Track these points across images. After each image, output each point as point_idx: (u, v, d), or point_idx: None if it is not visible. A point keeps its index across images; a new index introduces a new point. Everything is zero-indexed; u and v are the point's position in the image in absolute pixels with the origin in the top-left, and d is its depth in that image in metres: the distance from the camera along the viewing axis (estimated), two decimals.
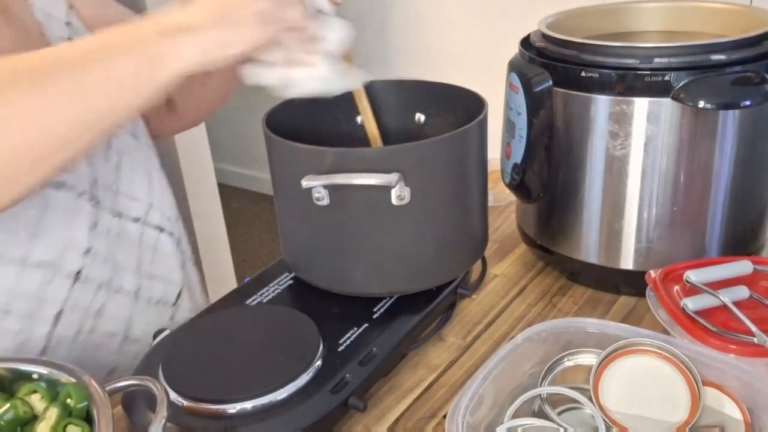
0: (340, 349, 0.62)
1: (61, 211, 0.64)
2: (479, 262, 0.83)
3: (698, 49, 0.66)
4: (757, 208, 0.75)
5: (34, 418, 0.47)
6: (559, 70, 0.70)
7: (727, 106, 0.66)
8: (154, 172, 0.77)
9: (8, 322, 0.62)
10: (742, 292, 0.65)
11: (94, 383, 0.47)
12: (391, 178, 0.60)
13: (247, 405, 0.55)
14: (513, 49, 0.79)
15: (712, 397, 0.54)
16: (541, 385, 0.58)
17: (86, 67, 0.48)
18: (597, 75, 0.67)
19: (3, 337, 0.62)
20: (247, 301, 0.70)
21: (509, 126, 0.77)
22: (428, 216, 0.66)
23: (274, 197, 0.71)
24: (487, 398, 0.54)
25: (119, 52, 0.49)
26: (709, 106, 0.64)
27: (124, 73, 0.49)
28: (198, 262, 1.12)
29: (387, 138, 0.78)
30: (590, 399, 0.55)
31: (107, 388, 0.48)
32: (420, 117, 0.80)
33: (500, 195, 0.97)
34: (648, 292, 0.68)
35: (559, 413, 0.57)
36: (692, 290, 0.66)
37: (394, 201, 0.62)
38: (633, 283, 0.73)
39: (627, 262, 0.74)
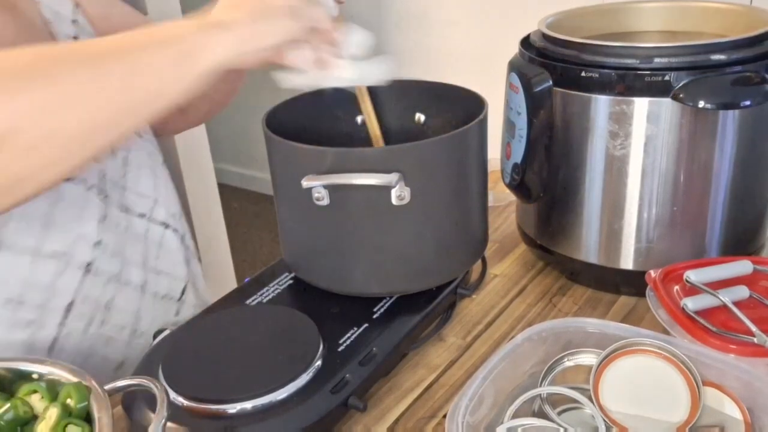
0: (340, 349, 0.62)
1: (72, 204, 0.65)
2: (479, 262, 0.83)
3: (698, 49, 0.66)
4: (757, 208, 0.75)
5: (34, 418, 0.47)
6: (559, 70, 0.70)
7: (727, 106, 0.66)
8: (158, 168, 0.78)
9: (21, 313, 0.63)
10: (742, 292, 0.65)
11: (94, 383, 0.47)
12: (391, 178, 0.60)
13: (247, 405, 0.55)
14: (513, 49, 0.79)
15: (712, 397, 0.54)
16: (541, 385, 0.58)
17: (128, 55, 0.50)
18: (597, 75, 0.67)
19: (15, 327, 0.63)
20: (247, 301, 0.70)
21: (509, 126, 0.77)
22: (428, 216, 0.66)
23: (274, 197, 0.71)
24: (487, 398, 0.54)
25: (159, 44, 0.51)
26: (709, 106, 0.64)
27: (163, 64, 0.50)
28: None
29: (387, 138, 0.78)
30: (590, 399, 0.55)
31: (107, 388, 0.48)
32: (420, 117, 0.80)
33: (500, 195, 0.97)
34: (648, 292, 0.68)
35: (559, 413, 0.57)
36: (692, 290, 0.66)
37: (394, 201, 0.62)
38: (633, 283, 0.73)
39: (627, 262, 0.74)
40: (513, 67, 0.75)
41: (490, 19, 2.09)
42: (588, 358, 0.58)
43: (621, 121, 0.68)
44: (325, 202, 0.62)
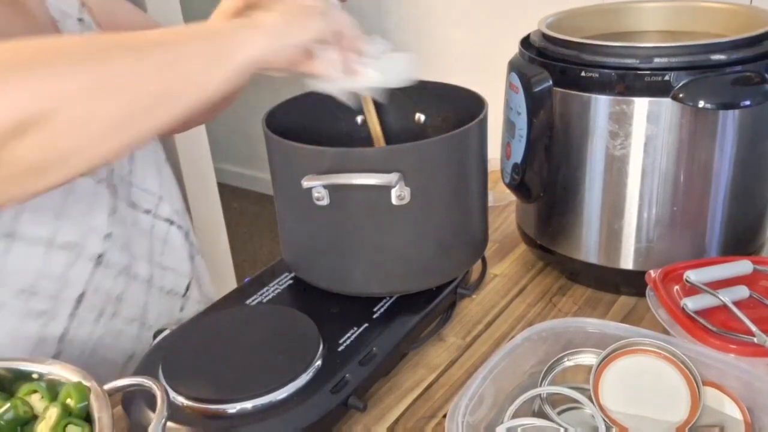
0: (340, 349, 0.62)
1: (84, 196, 0.66)
2: (479, 262, 0.83)
3: (698, 49, 0.66)
4: (757, 208, 0.75)
5: (34, 418, 0.47)
6: (559, 70, 0.70)
7: (727, 106, 0.66)
8: (162, 166, 0.79)
9: (34, 303, 0.64)
10: (742, 291, 0.65)
11: (94, 383, 0.47)
12: (391, 178, 0.60)
13: (247, 405, 0.55)
14: (513, 49, 0.79)
15: (712, 396, 0.54)
16: (541, 385, 0.58)
17: (168, 46, 0.51)
18: (597, 75, 0.68)
19: (28, 317, 0.64)
20: (247, 301, 0.70)
21: (509, 126, 0.77)
22: (428, 216, 0.66)
23: (274, 197, 0.71)
24: (487, 398, 0.54)
25: (198, 38, 0.52)
26: (709, 106, 0.64)
27: (202, 57, 0.51)
28: None
29: (387, 138, 0.78)
30: (590, 399, 0.55)
31: (107, 388, 0.48)
32: (420, 117, 0.80)
33: (500, 195, 0.97)
34: (648, 291, 0.68)
35: (559, 413, 0.57)
36: (692, 290, 0.66)
37: (394, 201, 0.62)
38: (633, 282, 0.73)
39: (627, 261, 0.74)
40: (513, 67, 0.75)
41: (490, 19, 2.09)
42: (588, 358, 0.58)
43: (621, 121, 0.68)
44: (325, 202, 0.62)
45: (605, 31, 0.84)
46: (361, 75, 0.60)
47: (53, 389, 0.48)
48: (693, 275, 0.67)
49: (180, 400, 0.56)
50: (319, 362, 0.60)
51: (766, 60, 0.66)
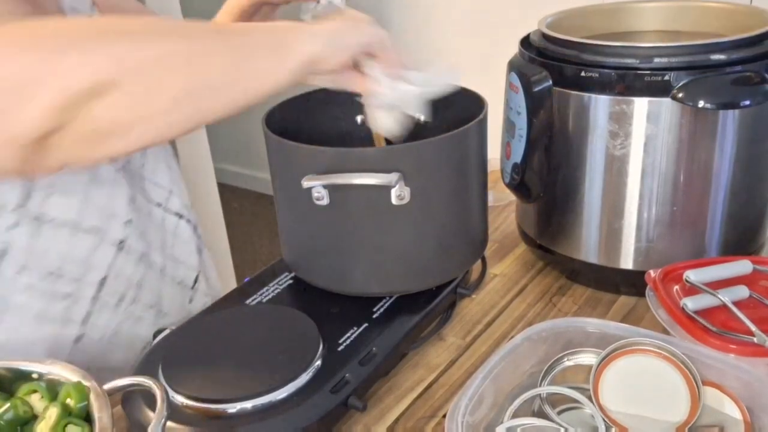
0: (340, 349, 0.62)
1: (106, 182, 0.67)
2: (479, 261, 0.83)
3: (698, 48, 0.66)
4: (757, 208, 0.75)
5: (34, 418, 0.47)
6: (559, 70, 0.70)
7: (726, 106, 0.66)
8: (171, 161, 0.80)
9: (59, 285, 0.65)
10: (742, 291, 0.65)
11: (93, 383, 0.47)
12: (391, 177, 0.60)
13: (247, 405, 0.55)
14: (513, 49, 0.79)
15: (711, 396, 0.54)
16: (540, 385, 0.58)
17: (230, 35, 0.53)
18: (597, 75, 0.68)
19: (54, 299, 0.65)
20: (247, 301, 0.70)
21: (509, 126, 0.77)
22: (428, 216, 0.66)
23: (274, 197, 0.71)
24: (486, 398, 0.54)
25: (259, 32, 0.54)
26: (708, 105, 0.64)
27: (262, 49, 0.53)
28: None
29: (387, 138, 0.78)
30: (590, 399, 0.55)
31: (107, 388, 0.48)
32: (420, 117, 0.80)
33: (500, 195, 0.97)
34: (648, 291, 0.68)
35: (559, 413, 0.57)
36: (692, 290, 0.66)
37: (394, 201, 0.62)
38: (633, 282, 0.73)
39: (627, 261, 0.74)
40: (513, 67, 0.75)
41: (490, 19, 2.09)
42: (588, 358, 0.58)
43: (621, 120, 0.68)
44: (325, 201, 0.62)
45: (605, 31, 0.84)
46: (407, 86, 0.61)
47: (53, 389, 0.48)
48: (693, 275, 0.67)
49: (180, 399, 0.56)
50: (319, 362, 0.60)
51: (766, 60, 0.66)
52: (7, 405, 0.46)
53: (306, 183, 0.61)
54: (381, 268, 0.67)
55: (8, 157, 0.47)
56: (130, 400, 0.57)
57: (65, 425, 0.45)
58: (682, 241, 0.72)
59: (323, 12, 0.71)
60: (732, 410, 0.53)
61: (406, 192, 0.62)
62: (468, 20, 2.15)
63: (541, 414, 0.57)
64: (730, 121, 0.67)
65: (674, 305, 0.64)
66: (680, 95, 0.64)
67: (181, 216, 0.79)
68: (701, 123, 0.67)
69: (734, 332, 0.60)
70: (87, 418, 0.46)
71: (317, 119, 0.77)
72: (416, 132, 0.70)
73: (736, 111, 0.66)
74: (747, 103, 0.64)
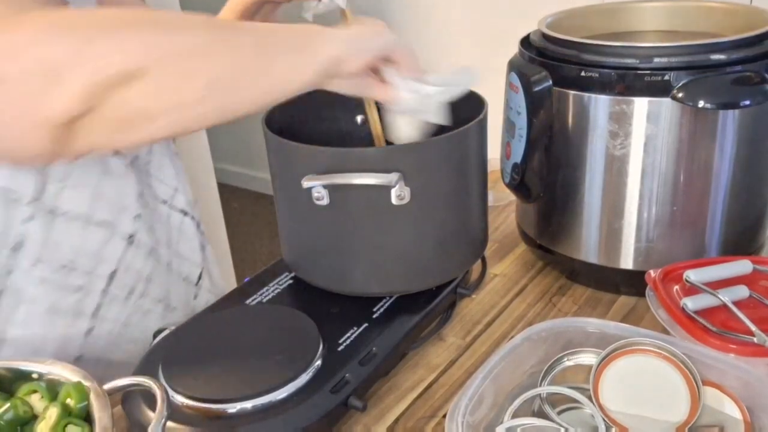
0: (340, 349, 0.62)
1: (116, 177, 0.68)
2: (479, 261, 0.83)
3: (698, 48, 0.66)
4: (757, 208, 0.75)
5: (34, 418, 0.47)
6: (559, 70, 0.70)
7: (726, 106, 0.66)
8: (175, 159, 0.80)
9: (71, 278, 0.66)
10: (742, 291, 0.65)
11: (93, 383, 0.47)
12: (391, 177, 0.60)
13: (247, 405, 0.55)
14: (513, 49, 0.79)
15: (711, 396, 0.54)
16: (540, 385, 0.58)
17: (257, 32, 0.55)
18: (597, 75, 0.68)
19: (66, 291, 0.66)
20: (247, 301, 0.70)
21: (509, 126, 0.77)
22: (428, 216, 0.66)
23: (274, 197, 0.71)
24: (486, 398, 0.54)
25: (285, 30, 0.55)
26: (708, 105, 0.64)
27: (287, 47, 0.54)
28: None
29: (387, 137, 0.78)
30: (590, 399, 0.55)
31: (107, 388, 0.48)
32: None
33: (500, 195, 0.97)
34: (648, 291, 0.68)
35: (559, 413, 0.57)
36: (692, 290, 0.66)
37: (394, 201, 0.62)
38: (633, 282, 0.73)
39: (627, 261, 0.74)
40: (513, 66, 0.75)
41: (490, 19, 2.09)
42: (588, 358, 0.58)
43: (621, 120, 0.68)
44: (325, 201, 0.62)
45: (605, 31, 0.84)
46: (427, 90, 0.62)
47: (53, 389, 0.48)
48: (693, 275, 0.67)
49: (180, 399, 0.56)
50: (319, 362, 0.60)
51: (766, 60, 0.66)
52: (7, 405, 0.46)
53: (306, 183, 0.61)
54: (381, 268, 0.67)
55: (40, 139, 0.48)
56: (130, 400, 0.57)
57: (65, 425, 0.45)
58: (682, 241, 0.72)
59: (324, 10, 0.71)
60: (732, 410, 0.53)
61: (406, 192, 0.62)
62: (468, 20, 2.15)
63: (541, 414, 0.57)
64: (730, 121, 0.67)
65: (674, 305, 0.64)
66: (680, 95, 0.64)
67: (185, 213, 0.80)
68: (701, 123, 0.67)
69: (734, 332, 0.60)
70: (87, 418, 0.46)
71: (317, 119, 0.77)
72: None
73: (736, 111, 0.66)
74: (747, 103, 0.64)
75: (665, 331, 0.62)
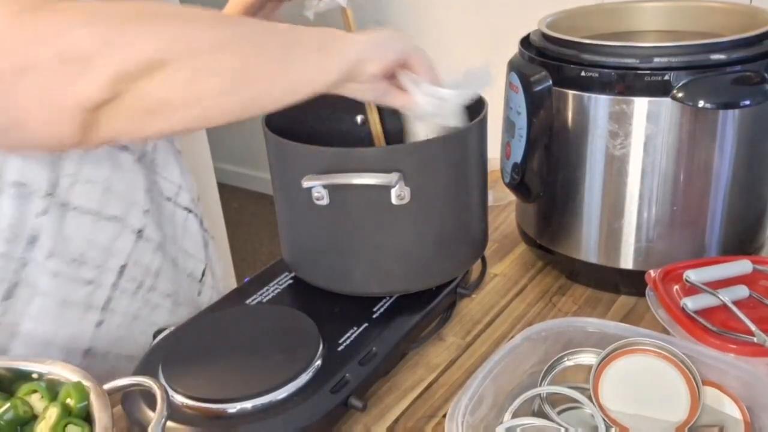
0: (340, 349, 0.62)
1: (126, 172, 0.69)
2: (479, 261, 0.83)
3: (698, 48, 0.66)
4: (757, 208, 0.75)
5: (33, 418, 0.47)
6: (559, 70, 0.70)
7: (726, 106, 0.66)
8: (179, 155, 0.81)
9: (82, 271, 0.67)
10: (742, 291, 0.65)
11: (94, 383, 0.47)
12: (391, 177, 0.60)
13: (247, 405, 0.55)
14: (513, 49, 0.79)
15: (711, 396, 0.54)
16: (540, 385, 0.58)
17: (281, 31, 0.56)
18: (597, 75, 0.68)
19: (78, 284, 0.67)
20: (247, 301, 0.70)
21: (509, 125, 0.77)
22: (428, 216, 0.66)
23: (274, 197, 0.71)
24: (486, 398, 0.54)
25: (308, 31, 0.57)
26: (708, 105, 0.64)
27: (310, 46, 0.56)
28: None
29: (387, 138, 0.78)
30: (590, 398, 0.55)
31: (107, 388, 0.48)
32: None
33: (500, 194, 0.97)
34: (648, 291, 0.68)
35: (559, 413, 0.57)
36: (692, 290, 0.66)
37: (394, 201, 0.62)
38: (633, 282, 0.73)
39: (627, 261, 0.74)
40: (513, 66, 0.75)
41: (490, 19, 2.09)
42: (588, 358, 0.58)
43: (621, 120, 0.68)
44: (325, 201, 0.62)
45: (605, 31, 0.84)
46: (444, 94, 0.62)
47: (53, 389, 0.48)
48: (693, 275, 0.67)
49: (180, 399, 0.56)
50: (319, 362, 0.60)
51: (766, 60, 0.66)
52: (7, 405, 0.46)
53: (306, 183, 0.61)
54: (381, 268, 0.67)
55: (68, 125, 0.49)
56: (130, 400, 0.57)
57: (65, 425, 0.45)
58: (682, 240, 0.72)
59: (325, 8, 0.71)
60: (732, 410, 0.53)
61: (406, 192, 0.62)
62: (468, 20, 2.15)
63: (541, 414, 0.57)
64: (730, 121, 0.67)
65: (674, 305, 0.64)
66: (680, 95, 0.64)
67: (189, 211, 0.81)
68: (701, 123, 0.67)
69: (734, 332, 0.60)
70: (87, 418, 0.46)
71: (317, 119, 0.77)
72: None
73: (736, 111, 0.66)
74: (747, 103, 0.64)
75: (665, 331, 0.62)
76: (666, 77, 0.65)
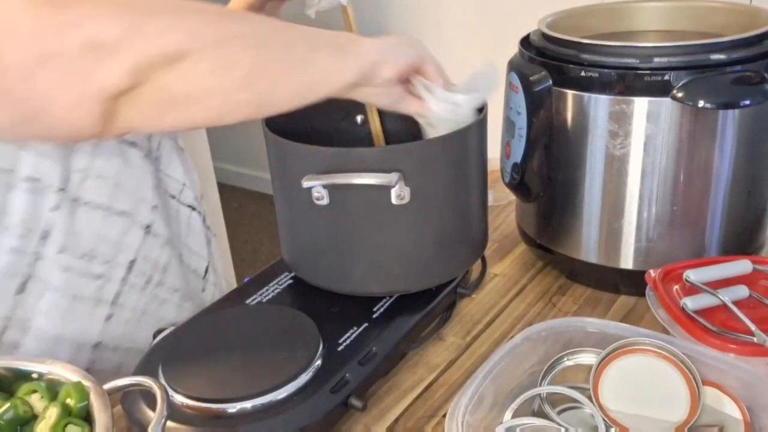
0: (340, 349, 0.62)
1: (135, 168, 0.70)
2: (479, 261, 0.83)
3: (698, 48, 0.66)
4: (757, 208, 0.75)
5: (33, 418, 0.47)
6: (559, 70, 0.70)
7: (726, 106, 0.66)
8: (183, 154, 0.81)
9: (92, 266, 0.67)
10: (742, 291, 0.65)
11: (94, 383, 0.47)
12: (391, 177, 0.60)
13: (247, 405, 0.55)
14: (513, 48, 0.79)
15: (711, 396, 0.54)
16: (540, 385, 0.58)
17: (299, 31, 0.56)
18: (597, 74, 0.68)
19: (88, 279, 0.67)
20: (247, 301, 0.70)
21: (509, 125, 0.77)
22: (428, 216, 0.66)
23: (274, 197, 0.71)
24: (486, 398, 0.54)
25: (325, 33, 0.58)
26: (708, 105, 0.64)
27: (327, 48, 0.57)
28: None
29: (387, 137, 0.78)
30: (590, 398, 0.55)
31: (107, 388, 0.48)
32: None
33: (500, 195, 0.97)
34: (648, 291, 0.68)
35: (559, 413, 0.57)
36: (692, 290, 0.66)
37: (394, 201, 0.62)
38: (633, 282, 0.73)
39: (627, 261, 0.74)
40: (513, 66, 0.75)
41: (490, 19, 2.09)
42: (588, 358, 0.59)
43: (621, 120, 0.68)
44: (325, 201, 0.62)
45: (605, 30, 0.84)
46: (456, 98, 0.63)
47: (53, 389, 0.48)
48: (693, 275, 0.67)
49: (180, 399, 0.56)
50: (319, 362, 0.60)
51: (766, 60, 0.66)
52: (7, 405, 0.46)
53: (306, 183, 0.61)
54: (381, 268, 0.67)
55: (90, 112, 0.50)
56: (130, 400, 0.57)
57: (65, 425, 0.45)
58: (682, 240, 0.72)
59: (326, 7, 0.71)
60: (732, 410, 0.53)
61: (406, 192, 0.62)
62: (468, 20, 2.15)
63: (541, 414, 0.57)
64: (730, 121, 0.67)
65: (674, 305, 0.64)
66: (680, 95, 0.64)
67: (193, 208, 0.81)
68: (701, 123, 0.67)
69: (734, 332, 0.60)
70: (87, 418, 0.46)
71: (317, 119, 0.77)
72: (416, 132, 0.70)
73: (736, 111, 0.66)
74: (747, 103, 0.64)
75: (665, 331, 0.62)
76: (666, 77, 0.65)
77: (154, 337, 0.65)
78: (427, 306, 0.70)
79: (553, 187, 0.75)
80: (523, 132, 0.74)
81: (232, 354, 0.61)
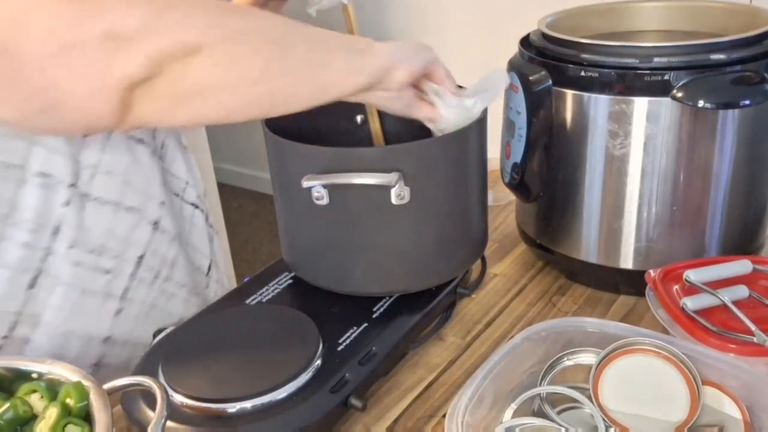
0: (339, 349, 0.62)
1: (143, 165, 0.70)
2: (479, 261, 0.83)
3: (698, 48, 0.66)
4: (757, 208, 0.75)
5: (33, 418, 0.47)
6: (559, 70, 0.70)
7: (726, 106, 0.66)
8: (186, 152, 0.82)
9: (102, 261, 0.68)
10: (742, 291, 0.65)
11: (93, 383, 0.47)
12: (391, 177, 0.60)
13: (247, 405, 0.55)
14: (513, 49, 0.79)
15: (711, 396, 0.54)
16: (540, 385, 0.58)
17: (313, 32, 0.57)
18: (596, 74, 0.68)
19: (98, 273, 0.68)
20: (247, 301, 0.70)
21: (509, 125, 0.77)
22: (428, 215, 0.66)
23: (274, 197, 0.71)
24: (486, 397, 0.54)
25: (338, 35, 0.58)
26: (708, 105, 0.64)
27: (339, 49, 0.57)
28: None
29: (387, 137, 0.78)
30: (590, 398, 0.55)
31: (107, 388, 0.48)
32: None
33: (500, 194, 0.97)
34: (647, 291, 0.68)
35: (559, 412, 0.58)
36: (692, 289, 0.66)
37: (394, 200, 0.62)
38: (632, 282, 0.73)
39: (626, 261, 0.74)
40: (513, 66, 0.75)
41: (490, 19, 2.09)
42: (588, 358, 0.59)
43: (620, 120, 0.68)
44: (325, 201, 0.63)
45: (605, 30, 0.84)
46: (465, 103, 0.64)
47: (53, 389, 0.48)
48: (692, 275, 0.67)
49: (180, 399, 0.56)
50: (318, 362, 0.60)
51: (765, 60, 0.66)
52: (7, 405, 0.46)
53: (306, 183, 0.61)
54: (381, 268, 0.67)
55: (106, 104, 0.50)
56: (130, 400, 0.57)
57: (65, 425, 0.45)
58: (682, 240, 0.72)
59: (328, 6, 0.71)
60: (732, 410, 0.53)
61: (406, 192, 0.62)
62: (468, 20, 2.15)
63: (541, 414, 0.57)
64: (729, 121, 0.67)
65: (674, 305, 0.64)
66: (680, 95, 0.64)
67: (196, 206, 0.81)
68: (701, 123, 0.67)
69: (734, 332, 0.60)
70: (87, 417, 0.46)
71: (317, 119, 0.76)
72: (416, 132, 0.70)
73: (736, 111, 0.67)
74: (747, 103, 0.64)
75: (665, 331, 0.62)
76: (666, 77, 0.65)
77: (154, 336, 0.65)
78: (427, 306, 0.70)
79: (553, 187, 0.76)
80: (523, 132, 0.74)
81: (232, 354, 0.61)
